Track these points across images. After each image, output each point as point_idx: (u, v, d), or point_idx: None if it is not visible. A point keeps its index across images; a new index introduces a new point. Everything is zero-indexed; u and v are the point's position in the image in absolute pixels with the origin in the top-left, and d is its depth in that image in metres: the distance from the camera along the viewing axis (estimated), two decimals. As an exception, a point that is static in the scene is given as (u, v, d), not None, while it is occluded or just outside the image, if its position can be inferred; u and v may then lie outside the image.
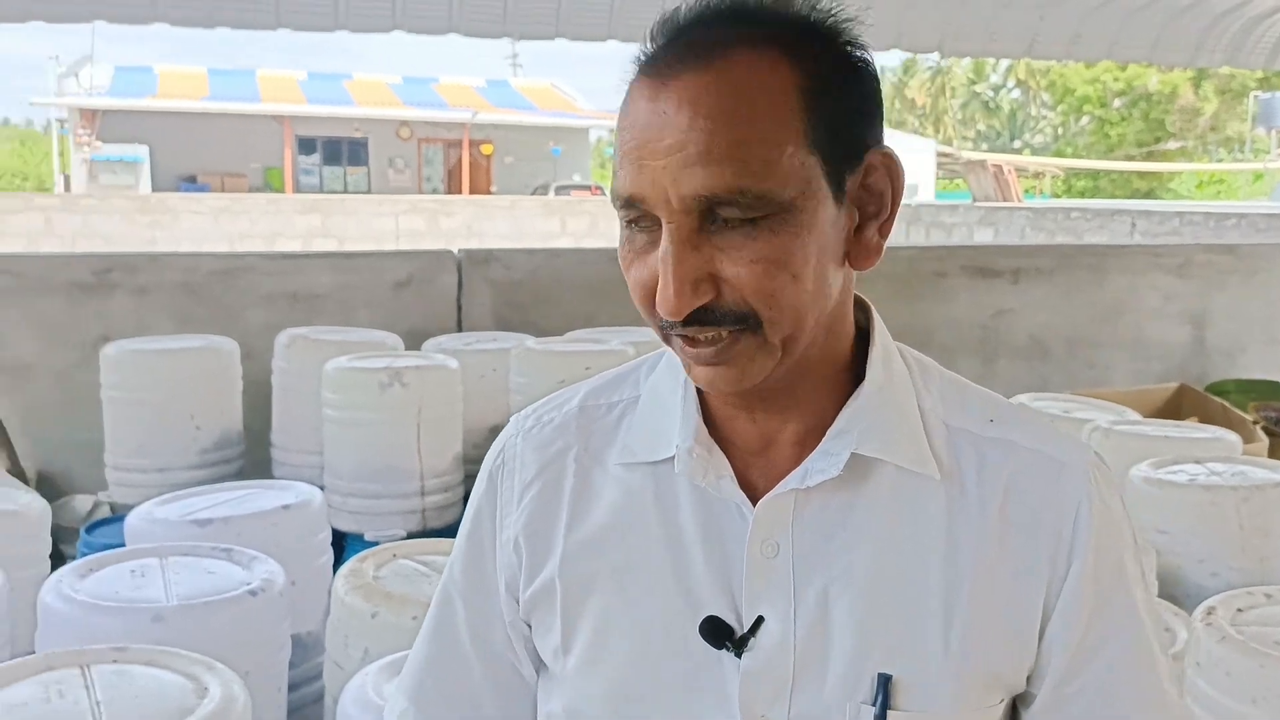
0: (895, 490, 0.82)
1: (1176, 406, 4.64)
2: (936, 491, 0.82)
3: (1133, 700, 0.83)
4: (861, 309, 0.87)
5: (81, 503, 3.96)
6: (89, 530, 3.40)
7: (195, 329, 4.15)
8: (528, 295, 4.78)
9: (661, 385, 0.89)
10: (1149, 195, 30.84)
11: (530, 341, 4.00)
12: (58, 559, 2.99)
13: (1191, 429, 3.54)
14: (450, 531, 3.48)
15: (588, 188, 24.46)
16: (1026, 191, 22.54)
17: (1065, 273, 5.71)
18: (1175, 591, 2.69)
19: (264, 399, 3.98)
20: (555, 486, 0.89)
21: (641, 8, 5.15)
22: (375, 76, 28.81)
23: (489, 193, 24.56)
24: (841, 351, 0.84)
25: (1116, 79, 34.69)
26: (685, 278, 0.74)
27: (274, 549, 2.40)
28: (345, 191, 23.98)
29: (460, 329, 4.65)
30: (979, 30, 6.45)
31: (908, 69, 41.49)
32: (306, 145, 25.00)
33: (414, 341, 4.24)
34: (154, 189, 21.70)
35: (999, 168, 16.33)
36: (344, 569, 2.24)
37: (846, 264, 0.80)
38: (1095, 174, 32.24)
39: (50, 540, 2.86)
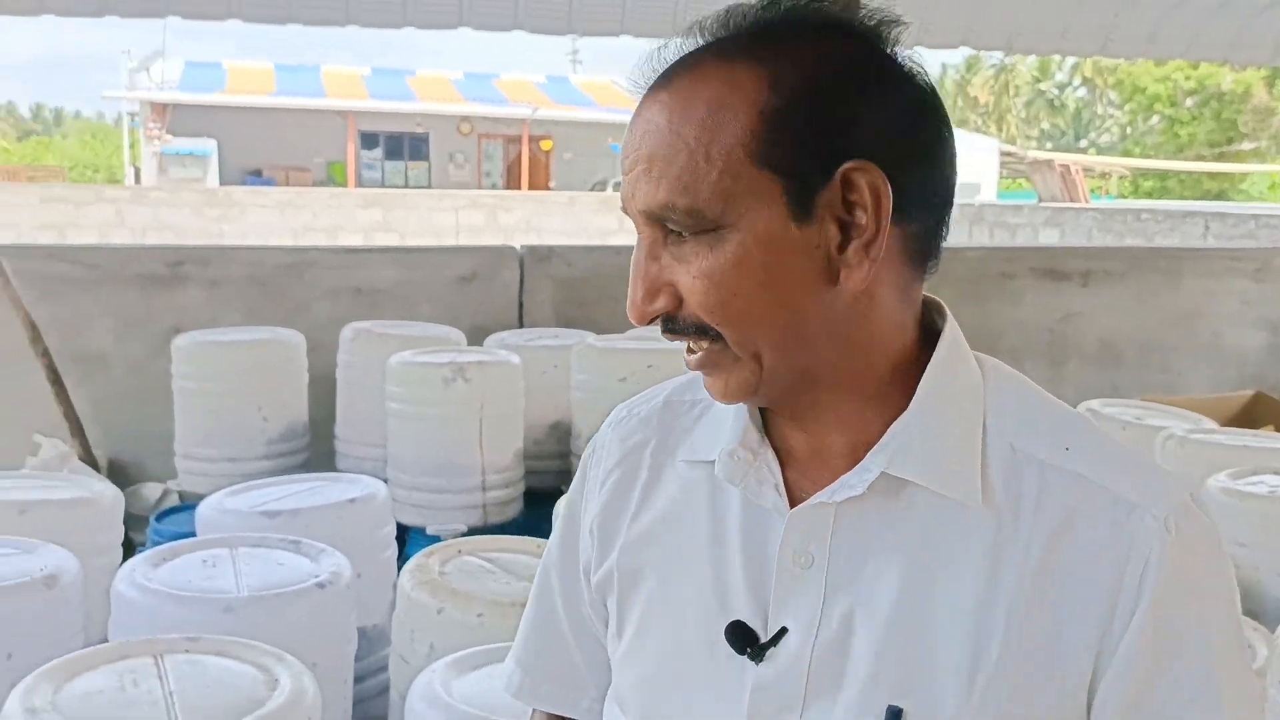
0: (934, 514, 0.77)
1: (1252, 414, 4.51)
2: (981, 520, 0.76)
3: None
4: (940, 315, 0.84)
5: (150, 490, 4.04)
6: (158, 518, 3.47)
7: (263, 321, 4.20)
8: (589, 292, 4.79)
9: None
10: (1219, 197, 30.09)
11: (592, 338, 4.00)
12: (127, 546, 3.04)
13: (1269, 438, 3.44)
14: (511, 527, 3.49)
15: (646, 184, 24.39)
16: (1092, 192, 22.11)
17: (1138, 275, 5.59)
18: (1254, 606, 2.61)
19: (328, 392, 4.03)
20: (631, 478, 0.91)
21: (707, 4, 5.11)
22: (437, 72, 29.07)
23: (547, 188, 24.65)
24: (884, 366, 0.80)
25: (1188, 77, 33.88)
26: (640, 286, 0.78)
27: (340, 542, 2.42)
28: (406, 186, 24.20)
29: (521, 325, 4.67)
30: (1051, 27, 6.30)
31: (971, 66, 40.90)
32: (369, 140, 25.28)
33: (475, 337, 4.27)
34: (221, 182, 22.10)
35: (1066, 167, 16.03)
36: (410, 564, 2.26)
37: (843, 282, 0.76)
38: (1163, 174, 31.53)
39: (123, 528, 2.92)
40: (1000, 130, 38.46)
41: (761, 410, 0.85)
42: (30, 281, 4.03)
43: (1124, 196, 29.91)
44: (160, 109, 23.30)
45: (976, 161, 23.92)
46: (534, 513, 3.67)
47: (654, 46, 0.80)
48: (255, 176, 22.87)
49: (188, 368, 3.78)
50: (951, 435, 0.78)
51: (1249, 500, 2.69)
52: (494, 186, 25.40)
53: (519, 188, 24.47)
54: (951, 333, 0.82)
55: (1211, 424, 3.66)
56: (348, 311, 4.32)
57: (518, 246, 4.90)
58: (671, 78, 0.77)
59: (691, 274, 0.75)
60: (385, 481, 3.21)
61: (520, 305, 4.72)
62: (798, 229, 0.75)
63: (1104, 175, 26.22)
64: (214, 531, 2.57)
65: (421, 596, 2.10)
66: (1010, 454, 0.78)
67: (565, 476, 3.97)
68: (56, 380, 3.93)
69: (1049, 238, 12.61)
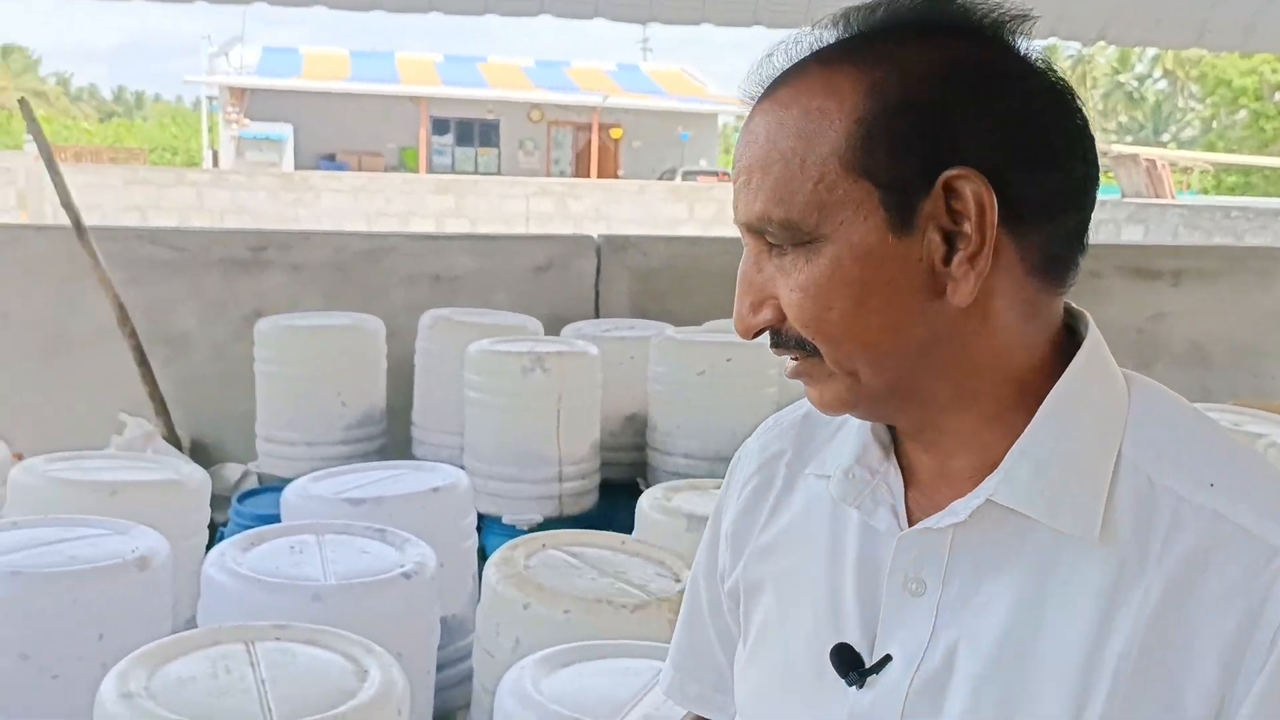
0: (1048, 547, 0.72)
1: (1352, 423, 4.33)
2: (1099, 557, 0.70)
3: None
4: (1086, 328, 0.78)
5: (231, 471, 4.10)
6: (240, 500, 3.51)
7: (343, 306, 4.24)
8: (665, 283, 4.75)
9: None
10: (1307, 194, 29.08)
11: (670, 330, 3.96)
12: (209, 526, 3.08)
13: (1378, 450, 3.29)
14: (586, 519, 3.47)
15: (715, 173, 24.31)
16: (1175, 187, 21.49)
17: (1231, 275, 5.40)
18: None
19: (405, 378, 4.05)
20: (765, 488, 0.90)
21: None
22: (509, 60, 29.21)
23: (616, 176, 24.65)
24: (1005, 385, 0.75)
25: (1276, 70, 32.78)
26: (745, 299, 0.77)
27: (422, 530, 2.42)
28: (476, 172, 24.36)
29: (597, 315, 4.65)
30: (1145, 17, 6.10)
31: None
32: (440, 126, 25.49)
33: (551, 326, 4.25)
34: (296, 166, 22.43)
35: (1152, 162, 15.59)
36: (495, 556, 2.24)
37: (949, 296, 0.71)
38: (1247, 170, 30.57)
39: (209, 510, 2.95)
40: (1078, 123, 37.56)
41: (892, 428, 0.81)
42: (119, 263, 4.10)
43: (1206, 192, 29.05)
44: (239, 93, 23.74)
45: (1054, 155, 23.39)
46: (609, 504, 3.65)
47: (763, 54, 0.78)
48: (329, 161, 23.20)
49: (269, 351, 3.82)
50: (1073, 462, 0.72)
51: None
52: (562, 174, 25.49)
53: (588, 175, 24.51)
54: (1089, 349, 0.76)
55: (1314, 432, 3.50)
56: (425, 298, 4.33)
57: (594, 236, 4.88)
58: (776, 87, 0.76)
59: (789, 287, 0.74)
60: (462, 469, 3.21)
61: (596, 295, 4.70)
62: (897, 241, 0.71)
63: (1186, 170, 25.48)
64: (298, 517, 2.59)
65: (508, 590, 2.08)
66: (1147, 487, 0.71)
67: (640, 469, 3.94)
68: (143, 361, 4.00)
69: (1132, 234, 12.27)
